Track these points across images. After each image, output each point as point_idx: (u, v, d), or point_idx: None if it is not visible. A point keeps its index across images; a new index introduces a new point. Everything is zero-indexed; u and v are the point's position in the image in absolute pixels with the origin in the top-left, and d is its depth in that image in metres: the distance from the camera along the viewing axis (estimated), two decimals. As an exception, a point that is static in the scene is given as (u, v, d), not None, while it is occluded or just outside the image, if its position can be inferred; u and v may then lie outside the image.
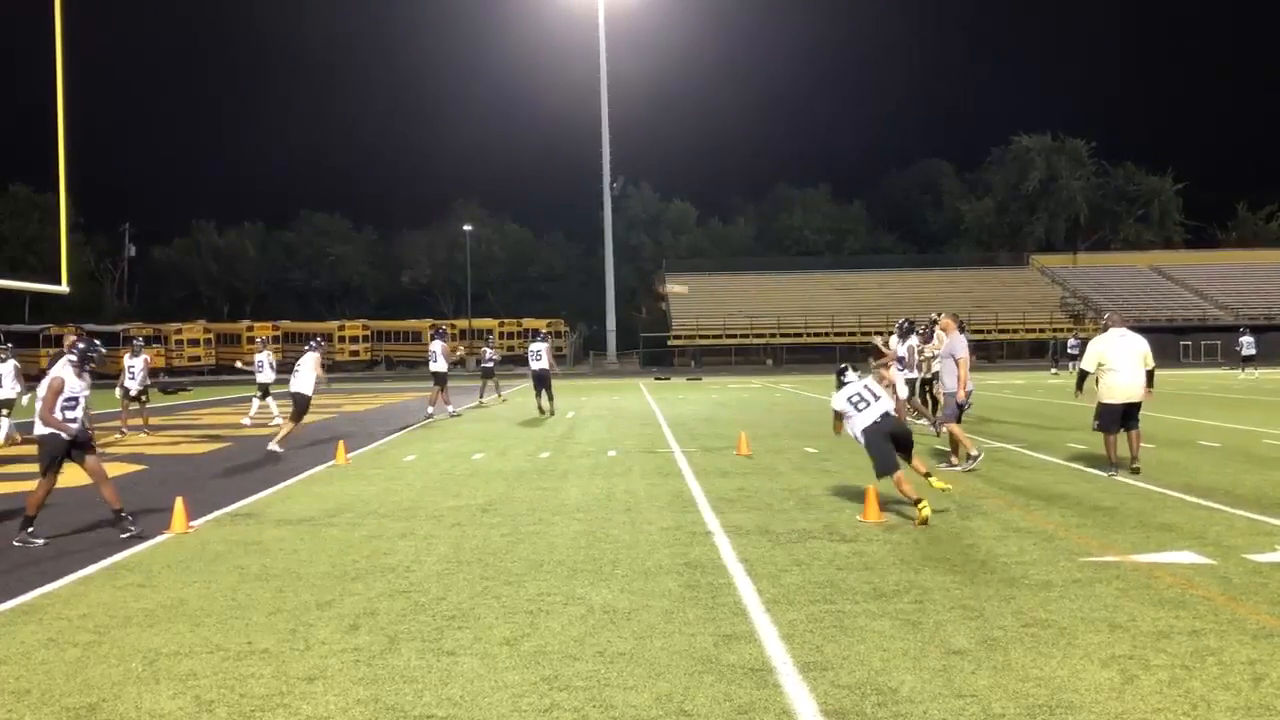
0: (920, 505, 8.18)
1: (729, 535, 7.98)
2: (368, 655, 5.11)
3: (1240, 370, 39.74)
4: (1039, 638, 5.20)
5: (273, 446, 14.33)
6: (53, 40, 16.93)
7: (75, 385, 8.39)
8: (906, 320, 16.20)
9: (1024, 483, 10.52)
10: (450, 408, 21.27)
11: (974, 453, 11.51)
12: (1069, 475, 11.03)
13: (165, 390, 37.45)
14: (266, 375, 20.90)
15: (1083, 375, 11.75)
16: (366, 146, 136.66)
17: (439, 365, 21.25)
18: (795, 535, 7.94)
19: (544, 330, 25.54)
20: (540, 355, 21.02)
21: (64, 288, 18.66)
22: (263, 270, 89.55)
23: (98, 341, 9.14)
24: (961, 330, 12.31)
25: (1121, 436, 11.04)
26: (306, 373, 15.11)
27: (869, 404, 8.81)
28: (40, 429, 8.34)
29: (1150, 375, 11.09)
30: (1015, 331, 59.34)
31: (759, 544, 7.64)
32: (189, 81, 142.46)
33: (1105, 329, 11.60)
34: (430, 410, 20.86)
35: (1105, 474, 10.89)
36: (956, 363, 11.61)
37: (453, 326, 61.77)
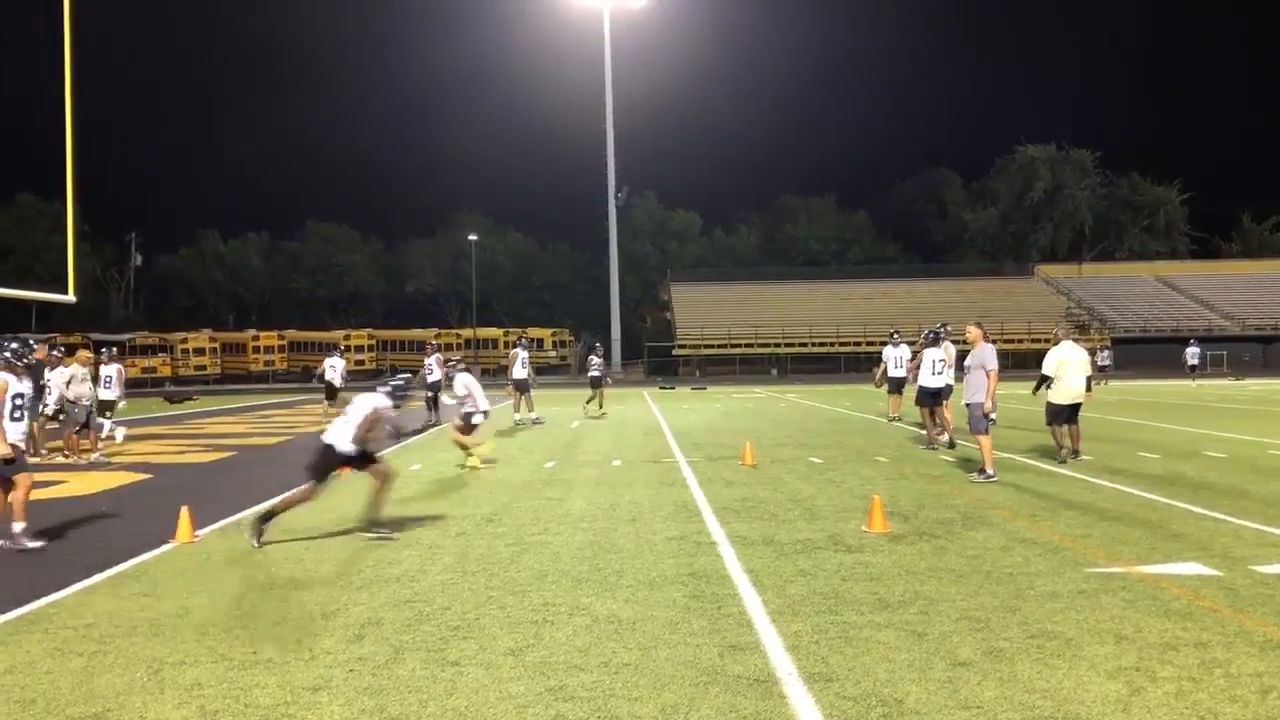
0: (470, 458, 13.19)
1: (734, 545, 7.97)
2: (372, 665, 5.11)
3: (1192, 381, 40.12)
4: (1045, 649, 5.18)
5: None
6: (62, 50, 17.01)
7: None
8: (931, 331, 15.80)
9: (1029, 493, 10.50)
10: (517, 416, 21.56)
11: (990, 472, 11.41)
12: (1075, 485, 11.01)
13: (171, 399, 37.51)
14: (111, 391, 17.46)
15: (1044, 380, 13.28)
16: (372, 157, 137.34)
17: (519, 373, 21.63)
18: (800, 546, 7.93)
19: (433, 341, 24.84)
20: (433, 368, 21.67)
21: (71, 297, 18.68)
22: (268, 279, 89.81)
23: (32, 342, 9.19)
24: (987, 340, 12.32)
25: (1062, 431, 13.17)
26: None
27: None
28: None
29: (1088, 381, 13.39)
30: (1020, 341, 59.22)
31: (764, 554, 7.63)
32: (195, 92, 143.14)
33: (1058, 341, 13.45)
34: (532, 416, 21.61)
35: (1056, 459, 12.93)
36: (988, 374, 11.51)
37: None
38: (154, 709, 4.55)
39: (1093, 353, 43.19)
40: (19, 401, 8.37)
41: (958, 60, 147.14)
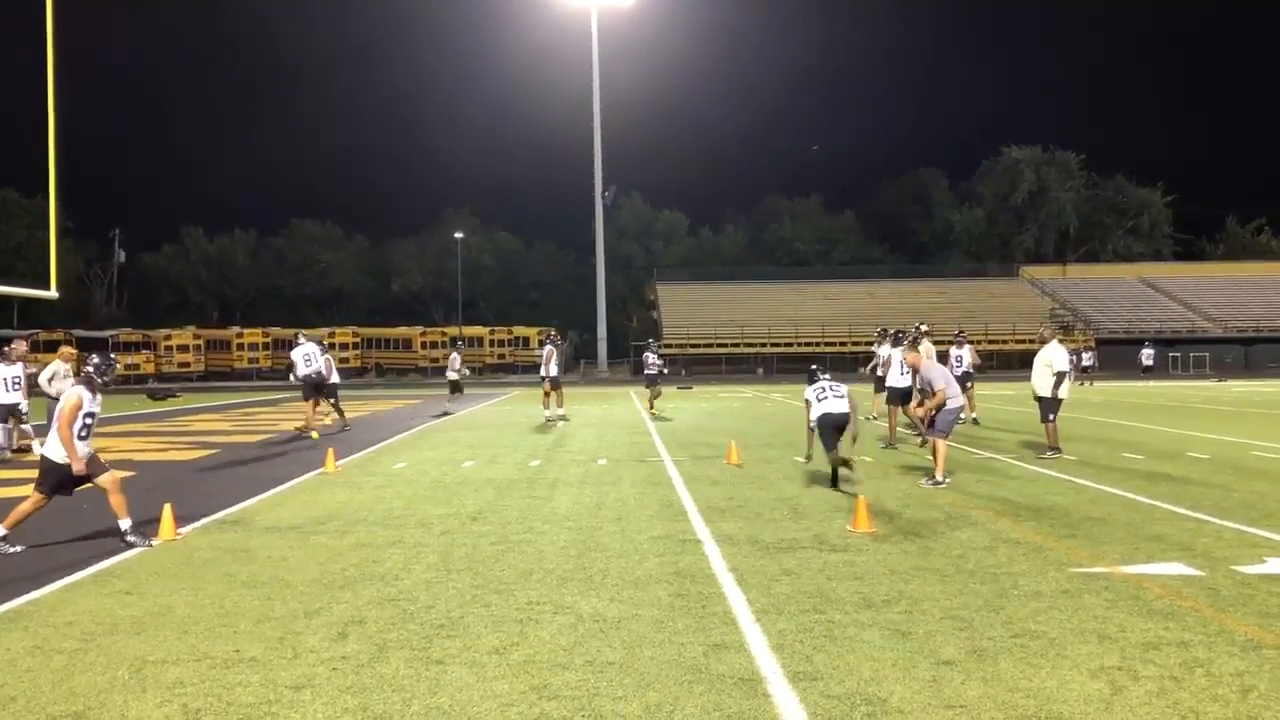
0: None
1: (719, 544, 7.98)
2: (356, 664, 5.09)
3: (1145, 382, 40.55)
4: (1028, 648, 5.20)
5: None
6: (45, 45, 16.88)
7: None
8: (896, 330, 16.29)
9: (1013, 493, 10.54)
10: (560, 411, 21.70)
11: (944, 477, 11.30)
12: (1058, 486, 11.06)
13: (154, 396, 37.30)
14: (14, 395, 15.68)
15: (1063, 376, 13.55)
16: (358, 155, 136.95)
17: (551, 370, 21.64)
18: (785, 544, 7.94)
19: (324, 340, 23.96)
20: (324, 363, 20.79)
21: (53, 293, 18.55)
22: (253, 277, 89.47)
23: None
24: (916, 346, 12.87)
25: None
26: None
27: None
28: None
29: None
30: (1005, 343, 59.54)
31: (749, 553, 7.63)
32: (180, 88, 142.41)
33: (1046, 341, 13.86)
34: (559, 413, 21.66)
35: (1048, 455, 13.42)
36: (934, 393, 11.38)
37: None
38: (135, 707, 4.52)
39: (1076, 354, 43.67)
40: (89, 421, 8.15)
41: (945, 62, 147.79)
